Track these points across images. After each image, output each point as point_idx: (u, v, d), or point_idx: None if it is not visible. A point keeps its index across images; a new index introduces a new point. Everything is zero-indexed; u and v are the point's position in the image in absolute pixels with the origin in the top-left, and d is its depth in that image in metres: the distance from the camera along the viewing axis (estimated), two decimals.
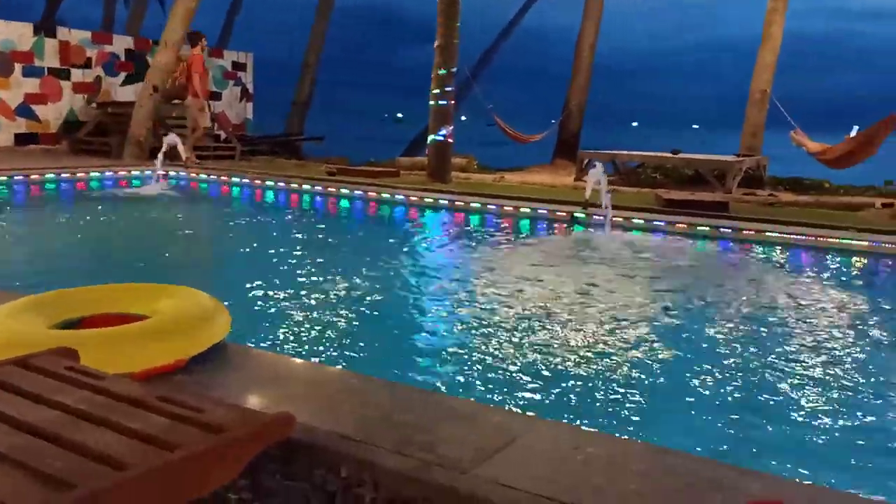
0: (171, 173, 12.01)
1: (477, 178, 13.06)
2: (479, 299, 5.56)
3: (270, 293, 5.34)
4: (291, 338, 4.38)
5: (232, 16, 25.04)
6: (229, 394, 2.13)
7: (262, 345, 4.04)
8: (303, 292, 5.43)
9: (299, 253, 7.31)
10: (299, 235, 8.44)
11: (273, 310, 4.96)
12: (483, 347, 4.38)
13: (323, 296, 5.39)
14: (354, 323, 4.81)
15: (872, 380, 4.16)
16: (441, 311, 5.32)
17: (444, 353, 4.30)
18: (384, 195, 10.77)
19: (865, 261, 7.64)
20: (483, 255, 7.49)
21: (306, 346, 4.25)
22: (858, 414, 3.62)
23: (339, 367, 3.44)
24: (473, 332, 4.71)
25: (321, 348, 4.25)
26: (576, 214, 9.27)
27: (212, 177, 12.27)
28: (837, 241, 7.93)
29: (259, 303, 5.08)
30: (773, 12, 13.89)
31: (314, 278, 5.98)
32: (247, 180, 11.98)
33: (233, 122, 17.93)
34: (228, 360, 2.42)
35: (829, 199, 11.04)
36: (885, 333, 5.17)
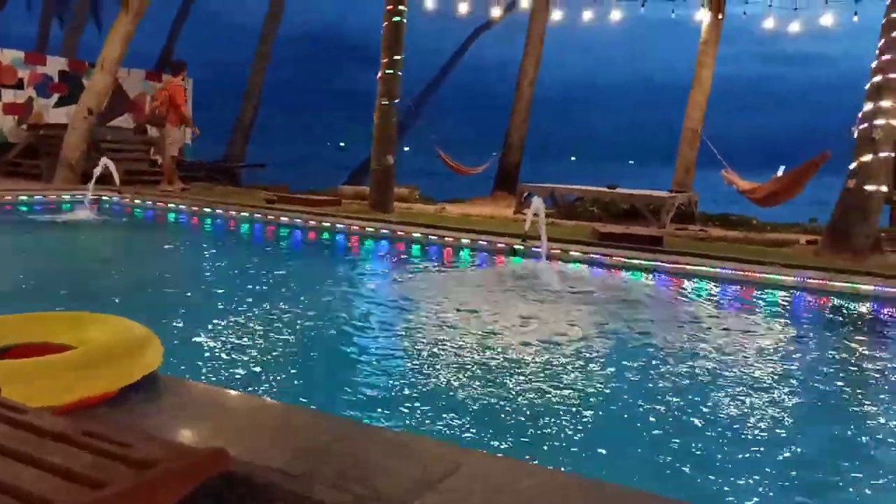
0: (104, 198, 11.69)
1: (419, 209, 13.12)
2: (416, 330, 5.55)
3: (205, 323, 5.22)
4: (227, 369, 4.28)
5: (172, 38, 24.71)
6: (160, 428, 2.07)
7: (195, 376, 3.94)
8: (239, 322, 5.33)
9: (235, 282, 7.18)
10: (235, 264, 8.29)
11: (208, 340, 4.85)
12: (420, 378, 4.37)
13: (259, 326, 5.29)
14: (293, 354, 4.74)
15: (792, 409, 4.31)
16: (379, 342, 5.29)
17: (381, 384, 4.26)
18: (324, 224, 10.70)
19: (790, 295, 7.95)
20: (422, 285, 7.50)
21: (242, 378, 4.16)
22: (780, 443, 3.74)
23: (276, 399, 3.38)
24: (411, 362, 4.69)
25: (258, 380, 4.17)
26: (515, 246, 9.39)
27: (147, 203, 11.99)
28: (764, 276, 8.23)
29: (193, 332, 4.95)
30: (703, 55, 14.51)
31: (251, 308, 5.87)
32: (183, 207, 11.75)
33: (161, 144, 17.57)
34: (160, 393, 2.35)
35: (756, 236, 11.47)
36: (804, 365, 5.38)
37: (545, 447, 3.51)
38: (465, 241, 9.77)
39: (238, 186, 16.21)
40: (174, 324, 5.08)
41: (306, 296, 6.40)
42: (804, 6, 14.13)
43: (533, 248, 9.09)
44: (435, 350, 4.98)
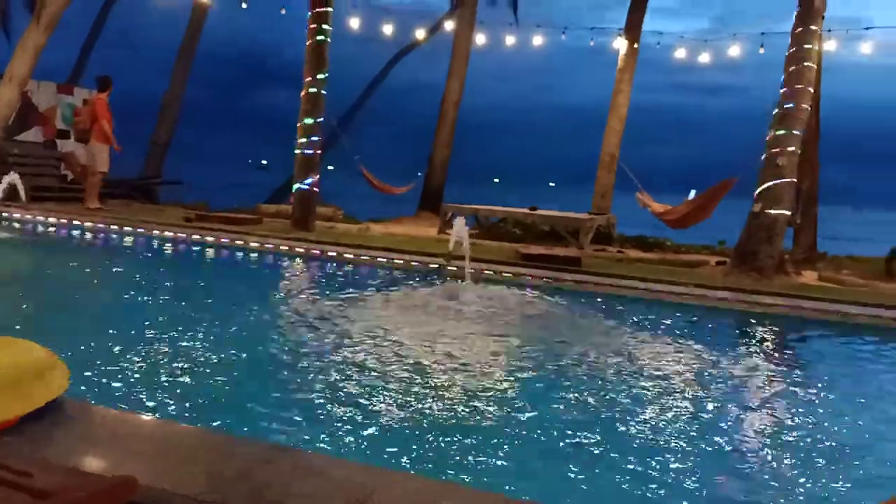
0: (4, 215, 11.14)
1: (342, 228, 13.04)
2: (336, 349, 5.50)
3: (116, 345, 5.02)
4: (137, 393, 4.13)
5: (87, 51, 23.89)
6: (65, 455, 1.98)
7: (103, 401, 3.78)
8: (152, 344, 5.15)
9: (149, 303, 6.95)
10: (150, 284, 8.02)
11: (118, 363, 4.66)
12: (338, 400, 4.32)
13: (173, 347, 5.13)
14: (207, 376, 4.61)
15: (703, 424, 4.48)
16: (298, 363, 5.20)
17: (299, 405, 4.20)
18: (245, 243, 10.50)
19: (701, 314, 8.27)
20: (343, 304, 7.44)
21: (153, 402, 4.02)
22: (690, 455, 3.88)
23: (189, 423, 3.28)
24: (329, 382, 4.64)
25: (170, 404, 4.03)
26: (438, 266, 9.44)
27: (59, 220, 11.49)
28: (678, 295, 8.54)
29: (102, 355, 4.76)
30: (620, 83, 15.05)
31: (164, 330, 5.69)
32: (101, 225, 11.32)
33: (82, 162, 16.94)
34: (65, 419, 2.25)
35: (670, 257, 11.91)
36: (713, 381, 5.60)
37: (463, 466, 3.53)
38: (387, 260, 9.76)
39: (155, 204, 15.73)
40: (81, 347, 4.87)
41: (223, 316, 6.25)
42: (714, 38, 14.87)
43: (456, 268, 9.16)
44: (353, 371, 4.94)
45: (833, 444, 4.23)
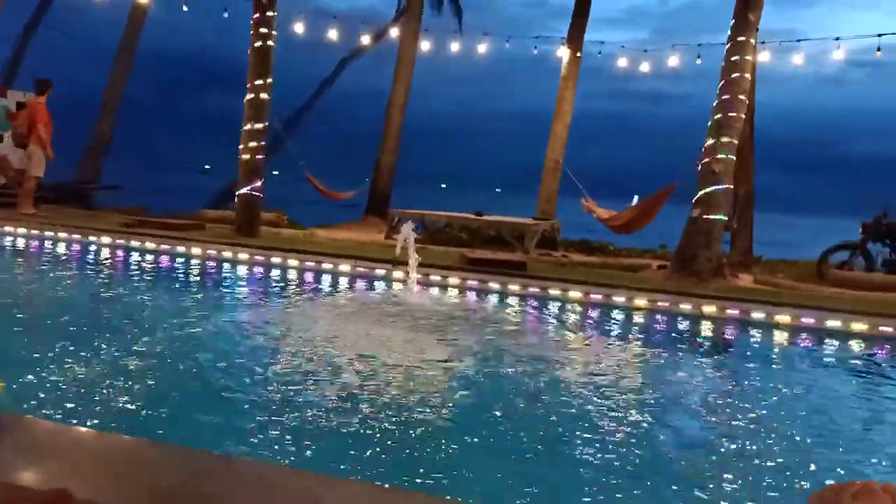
0: None
1: (287, 234, 12.89)
2: (279, 356, 5.44)
3: (51, 355, 4.86)
4: (74, 405, 4.01)
5: (20, 52, 23.06)
6: None
7: (38, 413, 3.66)
8: (88, 353, 5.00)
9: (86, 312, 6.75)
10: (87, 292, 7.79)
11: (53, 374, 4.52)
12: (282, 407, 4.28)
13: (112, 357, 5.00)
14: (147, 386, 4.50)
15: (646, 421, 4.58)
16: (240, 371, 5.12)
17: (242, 414, 4.14)
18: (187, 249, 10.28)
19: (643, 316, 8.45)
20: (288, 311, 7.36)
21: (91, 414, 3.91)
22: (633, 451, 3.96)
23: (128, 434, 3.20)
24: (273, 390, 4.58)
25: (108, 415, 3.92)
26: (384, 271, 9.42)
27: None
28: (620, 298, 8.71)
29: (36, 366, 4.60)
30: (563, 90, 15.30)
31: (102, 338, 5.53)
32: (35, 231, 10.94)
33: (16, 166, 16.34)
34: None
35: (613, 261, 12.14)
36: (655, 380, 5.74)
37: (410, 470, 3.53)
38: (333, 266, 9.69)
39: (91, 209, 15.27)
40: (14, 358, 4.70)
41: (162, 324, 6.11)
42: (654, 49, 15.24)
43: (402, 273, 9.15)
44: (298, 377, 4.89)
45: (764, 436, 4.37)
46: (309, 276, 9.47)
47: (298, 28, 14.98)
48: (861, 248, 11.25)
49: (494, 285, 9.09)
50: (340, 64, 24.79)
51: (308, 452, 3.64)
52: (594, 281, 9.26)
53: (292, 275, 9.55)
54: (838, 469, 3.99)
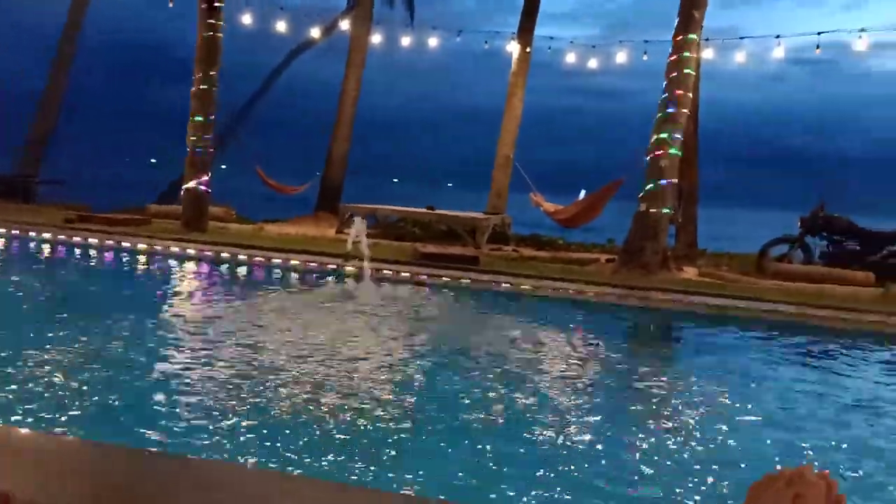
0: None
1: (235, 229, 12.71)
2: (229, 353, 5.38)
3: None
4: (13, 404, 3.91)
5: None
6: None
7: None
8: (28, 351, 4.87)
9: (27, 310, 6.57)
10: (27, 290, 7.57)
11: None
12: (234, 403, 4.24)
13: (53, 355, 4.87)
14: (92, 385, 4.41)
15: (589, 410, 4.68)
16: (188, 367, 5.05)
17: (190, 411, 4.09)
18: (132, 245, 10.06)
19: (591, 309, 8.60)
20: (236, 306, 7.28)
21: (32, 413, 3.82)
22: (582, 442, 4.05)
23: (73, 435, 3.14)
24: (223, 387, 4.54)
25: (50, 414, 3.84)
26: (336, 266, 9.38)
27: None
28: (572, 291, 8.84)
29: None
30: (513, 86, 15.39)
31: (45, 336, 5.39)
32: None
33: None
34: None
35: (563, 255, 12.29)
36: (602, 372, 5.87)
37: (360, 464, 3.54)
38: (283, 261, 9.61)
39: (32, 204, 14.79)
40: None
41: (108, 322, 5.98)
42: (602, 45, 15.44)
43: (354, 268, 9.13)
44: (249, 373, 4.85)
45: (704, 422, 4.52)
46: (258, 272, 9.37)
47: (248, 18, 14.73)
48: (799, 242, 11.63)
49: (446, 279, 9.13)
50: (290, 56, 24.45)
51: (251, 449, 3.62)
52: (544, 275, 9.39)
53: (241, 271, 9.43)
54: (783, 453, 4.15)
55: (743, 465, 3.91)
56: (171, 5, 14.08)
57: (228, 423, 3.94)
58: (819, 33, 11.77)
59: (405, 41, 15.72)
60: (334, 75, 17.19)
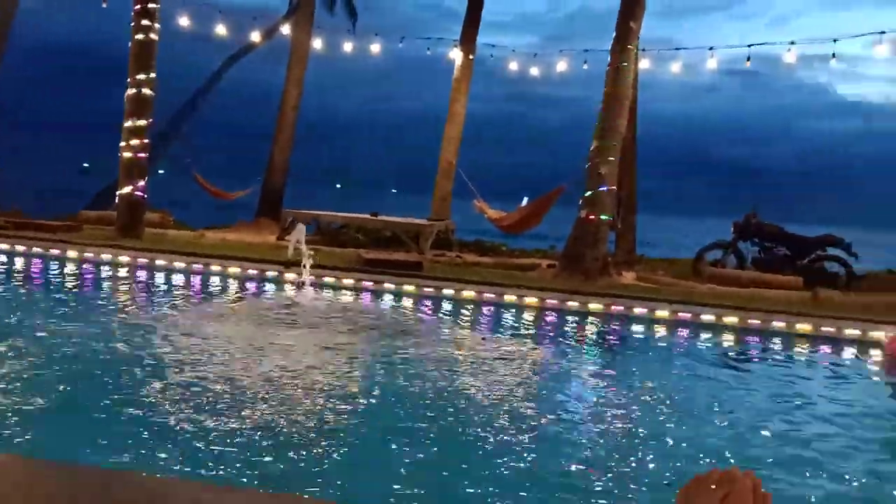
0: None
1: (173, 235, 12.41)
2: (167, 364, 5.24)
3: None
4: None
5: None
6: None
7: None
8: None
9: None
10: None
11: None
12: (176, 416, 4.13)
13: None
14: (20, 397, 4.23)
15: (539, 412, 4.73)
16: (120, 378, 4.89)
17: (131, 424, 3.97)
18: (63, 252, 9.72)
19: (535, 313, 8.70)
20: (173, 315, 7.09)
21: None
22: (523, 442, 4.08)
23: (7, 452, 3.01)
24: (158, 398, 4.42)
25: None
26: (277, 273, 9.24)
27: None
28: (514, 297, 8.92)
29: None
30: (456, 92, 15.48)
31: None
32: None
33: None
34: None
35: (506, 261, 12.39)
36: (547, 373, 5.93)
37: (309, 477, 3.50)
38: (222, 268, 9.42)
39: None
40: None
41: (39, 333, 5.76)
42: (543, 53, 15.66)
43: (296, 275, 9.01)
44: (189, 384, 4.73)
45: (637, 418, 4.61)
46: (196, 280, 9.17)
47: (185, 21, 14.43)
48: (732, 247, 12.00)
49: (390, 286, 9.10)
50: (229, 60, 24.04)
51: (184, 459, 3.53)
52: (487, 280, 9.45)
53: (178, 278, 9.20)
54: (712, 452, 4.26)
55: (677, 463, 4.00)
56: (104, 5, 13.69)
57: (158, 433, 3.84)
58: (750, 45, 12.19)
59: (347, 47, 15.63)
60: (278, 79, 16.98)
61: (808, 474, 4.00)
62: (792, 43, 11.63)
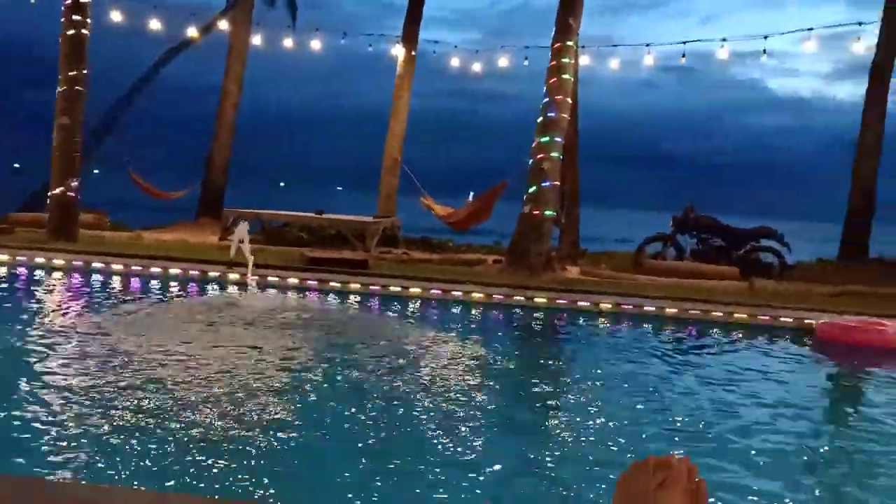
0: None
1: (110, 237, 12.05)
2: (105, 370, 5.09)
3: None
4: None
5: None
6: None
7: None
8: None
9: None
10: None
11: None
12: (110, 422, 4.01)
13: None
14: None
15: (489, 411, 4.76)
16: (50, 383, 4.73)
17: (63, 433, 3.84)
18: None
19: (481, 309, 8.74)
20: (111, 320, 6.88)
21: None
22: (483, 443, 4.10)
23: None
24: (99, 405, 4.29)
25: None
26: (218, 273, 9.07)
27: None
28: (460, 293, 8.95)
29: None
30: (399, 88, 15.43)
31: None
32: None
33: None
34: None
35: (452, 257, 12.43)
36: (491, 369, 5.97)
37: (218, 477, 3.44)
38: (162, 270, 9.19)
39: None
40: None
41: None
42: (484, 49, 15.74)
43: (238, 275, 8.85)
44: (125, 390, 4.61)
45: (582, 409, 4.69)
46: (135, 283, 8.92)
47: (118, 16, 14.00)
48: (672, 240, 12.30)
49: (335, 284, 9.02)
50: (165, 56, 23.46)
51: (138, 468, 3.44)
52: (433, 277, 9.45)
53: (115, 281, 8.94)
54: (651, 438, 4.35)
55: (615, 450, 4.07)
56: (32, 1, 13.20)
57: (105, 441, 3.72)
58: (685, 42, 12.48)
59: (288, 43, 15.43)
60: (217, 75, 16.64)
61: (746, 457, 4.12)
62: (724, 40, 11.95)
